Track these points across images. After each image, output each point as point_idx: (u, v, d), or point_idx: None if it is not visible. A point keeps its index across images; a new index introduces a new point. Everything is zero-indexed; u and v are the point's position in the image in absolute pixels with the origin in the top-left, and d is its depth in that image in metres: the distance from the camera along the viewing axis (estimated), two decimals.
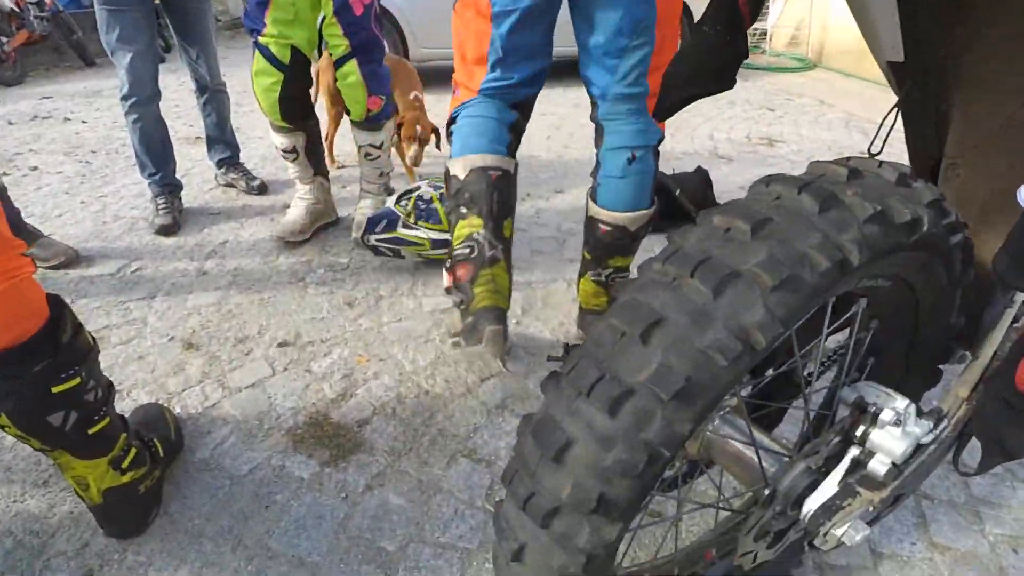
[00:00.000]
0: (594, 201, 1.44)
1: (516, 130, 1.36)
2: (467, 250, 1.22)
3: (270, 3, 1.83)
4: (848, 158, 0.67)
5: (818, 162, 0.63)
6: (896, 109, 0.90)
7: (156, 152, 2.31)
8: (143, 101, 2.18)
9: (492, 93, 1.31)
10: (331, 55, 2.04)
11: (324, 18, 1.95)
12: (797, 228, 0.52)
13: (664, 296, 0.51)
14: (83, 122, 4.00)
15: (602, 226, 1.43)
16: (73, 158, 3.26)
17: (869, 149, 0.93)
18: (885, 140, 0.91)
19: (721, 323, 0.48)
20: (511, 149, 1.34)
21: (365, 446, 1.33)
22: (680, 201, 2.30)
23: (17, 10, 5.56)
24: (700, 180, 2.47)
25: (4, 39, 5.39)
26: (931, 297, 0.75)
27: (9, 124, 4.04)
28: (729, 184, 2.86)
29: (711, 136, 3.64)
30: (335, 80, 2.23)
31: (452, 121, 1.36)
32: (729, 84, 0.87)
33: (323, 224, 2.32)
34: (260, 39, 1.89)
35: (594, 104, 1.40)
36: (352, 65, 2.01)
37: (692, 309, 0.50)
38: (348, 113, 2.19)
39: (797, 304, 0.50)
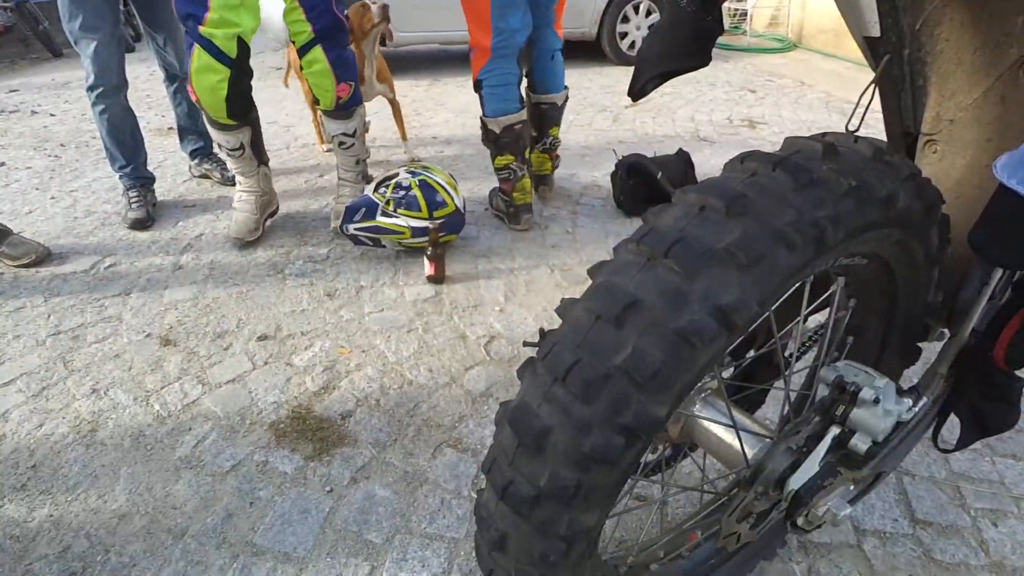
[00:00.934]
0: (535, 92, 2.24)
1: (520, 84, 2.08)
2: (507, 174, 2.10)
3: None
4: (824, 134, 0.66)
5: (794, 138, 0.62)
6: (873, 86, 0.89)
7: (126, 144, 2.25)
8: (109, 91, 2.11)
9: (501, 48, 1.91)
10: (293, 43, 1.95)
11: (286, 5, 1.86)
12: (772, 206, 0.51)
13: (639, 277, 0.50)
14: (51, 115, 3.88)
15: (543, 105, 2.24)
16: (42, 152, 3.16)
17: (847, 126, 0.92)
18: (863, 118, 0.91)
19: (696, 304, 0.47)
20: (522, 101, 2.07)
21: (349, 439, 1.32)
22: (661, 183, 2.30)
23: None
24: (681, 162, 2.46)
25: None
26: (908, 275, 0.75)
27: None
28: (711, 167, 2.86)
29: (692, 118, 3.63)
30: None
31: (478, 84, 1.98)
32: (704, 61, 0.85)
33: (269, 214, 2.21)
34: (201, 29, 1.68)
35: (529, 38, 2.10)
36: (318, 52, 1.92)
37: (666, 290, 0.48)
38: (316, 103, 2.11)
39: (773, 283, 0.49)
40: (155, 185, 2.44)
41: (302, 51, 1.95)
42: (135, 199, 2.27)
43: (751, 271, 0.48)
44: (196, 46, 1.71)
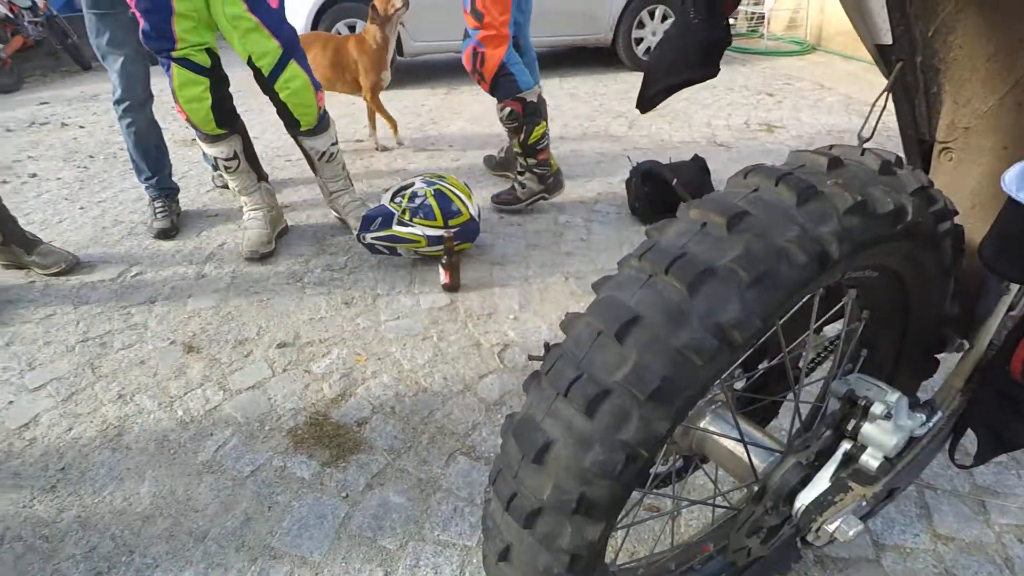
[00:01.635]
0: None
1: None
2: (544, 142, 2.31)
3: (174, 15, 1.71)
4: (831, 146, 0.66)
5: (799, 151, 0.62)
6: (886, 93, 0.88)
7: (151, 156, 2.31)
8: (136, 105, 2.18)
9: (512, 35, 2.16)
10: (261, 70, 1.84)
11: (235, 31, 1.78)
12: (775, 221, 0.51)
13: (640, 293, 0.51)
14: (80, 127, 4.00)
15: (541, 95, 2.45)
16: (71, 164, 3.26)
17: (860, 134, 0.91)
18: (876, 125, 0.90)
19: (697, 321, 0.47)
20: None
21: (365, 445, 1.34)
22: (676, 190, 2.29)
23: (11, 16, 5.58)
24: (697, 169, 2.45)
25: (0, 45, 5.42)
26: (921, 287, 0.74)
27: (8, 131, 4.05)
28: (728, 172, 2.80)
29: (709, 123, 3.60)
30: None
31: (503, 69, 2.13)
32: (713, 72, 0.86)
33: (280, 232, 2.23)
34: (175, 53, 1.76)
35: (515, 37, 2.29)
36: (294, 67, 1.84)
37: (668, 307, 0.49)
38: (297, 126, 2.00)
39: (776, 300, 0.49)
40: (179, 195, 2.50)
41: (274, 74, 1.83)
42: (160, 209, 2.33)
43: (753, 288, 0.48)
44: (174, 65, 1.78)
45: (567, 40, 4.96)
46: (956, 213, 0.69)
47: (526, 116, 2.21)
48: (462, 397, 1.48)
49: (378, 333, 1.73)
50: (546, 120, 2.31)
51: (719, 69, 0.87)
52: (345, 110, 3.92)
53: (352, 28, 4.24)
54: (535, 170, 2.35)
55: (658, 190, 2.32)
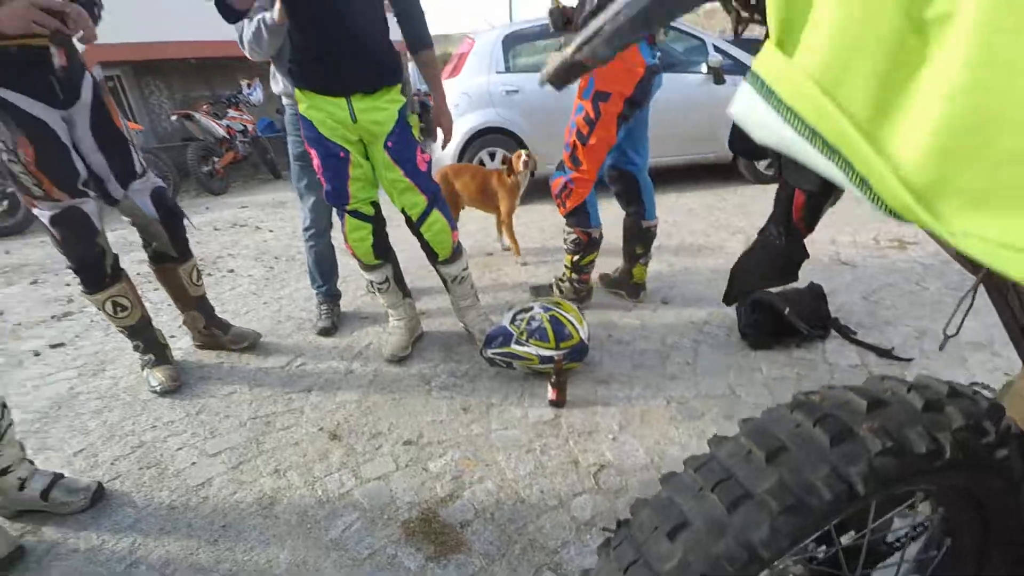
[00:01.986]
0: (645, 218, 2.72)
1: None
2: (591, 268, 2.77)
3: (349, 179, 2.10)
4: (883, 377, 0.72)
5: (842, 388, 0.70)
6: (974, 291, 0.92)
7: (325, 270, 2.82)
8: (319, 232, 2.72)
9: (631, 174, 2.64)
10: (411, 217, 2.20)
11: (394, 190, 2.13)
12: (808, 459, 0.60)
13: (691, 502, 0.63)
14: (270, 231, 4.87)
15: (652, 229, 2.75)
16: (261, 263, 3.97)
17: (945, 330, 0.96)
18: (962, 322, 0.94)
19: (732, 536, 0.58)
20: None
21: (465, 546, 1.47)
22: (789, 319, 2.29)
23: (228, 137, 7.13)
24: (812, 296, 2.43)
25: (216, 159, 6.93)
26: (993, 497, 0.75)
27: (215, 230, 5.05)
28: (851, 294, 2.75)
29: (833, 241, 3.47)
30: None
31: (583, 208, 2.55)
32: (791, 279, 0.98)
33: (416, 337, 2.58)
34: (348, 207, 2.16)
35: (633, 174, 2.66)
36: (435, 214, 2.20)
37: (711, 519, 0.60)
38: (436, 257, 2.34)
39: (805, 525, 0.58)
40: (340, 299, 2.94)
41: (420, 220, 2.19)
42: (325, 311, 2.80)
43: (782, 516, 0.57)
44: (346, 216, 2.21)
45: (688, 160, 5.14)
46: (1019, 435, 0.71)
47: (587, 246, 2.65)
48: (556, 513, 1.57)
49: (488, 440, 1.89)
50: (598, 252, 2.73)
51: (798, 276, 0.99)
52: (481, 225, 4.39)
53: (492, 155, 4.87)
54: (575, 284, 2.80)
55: (770, 318, 2.32)
